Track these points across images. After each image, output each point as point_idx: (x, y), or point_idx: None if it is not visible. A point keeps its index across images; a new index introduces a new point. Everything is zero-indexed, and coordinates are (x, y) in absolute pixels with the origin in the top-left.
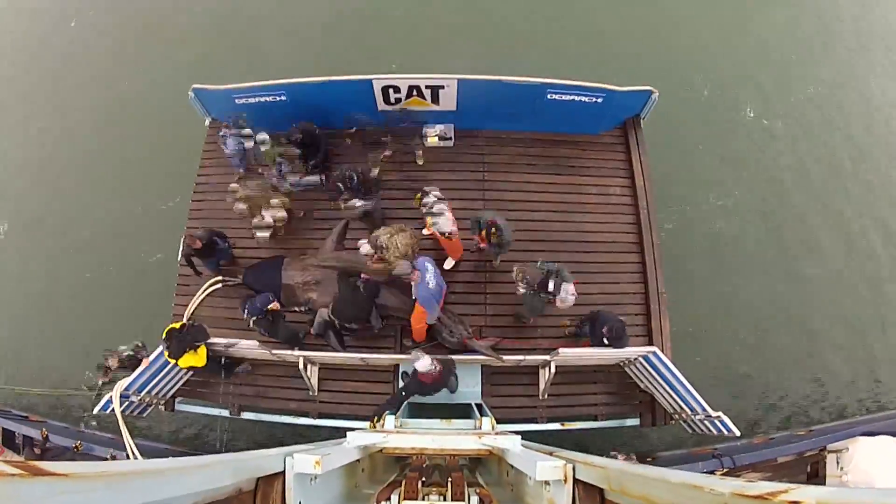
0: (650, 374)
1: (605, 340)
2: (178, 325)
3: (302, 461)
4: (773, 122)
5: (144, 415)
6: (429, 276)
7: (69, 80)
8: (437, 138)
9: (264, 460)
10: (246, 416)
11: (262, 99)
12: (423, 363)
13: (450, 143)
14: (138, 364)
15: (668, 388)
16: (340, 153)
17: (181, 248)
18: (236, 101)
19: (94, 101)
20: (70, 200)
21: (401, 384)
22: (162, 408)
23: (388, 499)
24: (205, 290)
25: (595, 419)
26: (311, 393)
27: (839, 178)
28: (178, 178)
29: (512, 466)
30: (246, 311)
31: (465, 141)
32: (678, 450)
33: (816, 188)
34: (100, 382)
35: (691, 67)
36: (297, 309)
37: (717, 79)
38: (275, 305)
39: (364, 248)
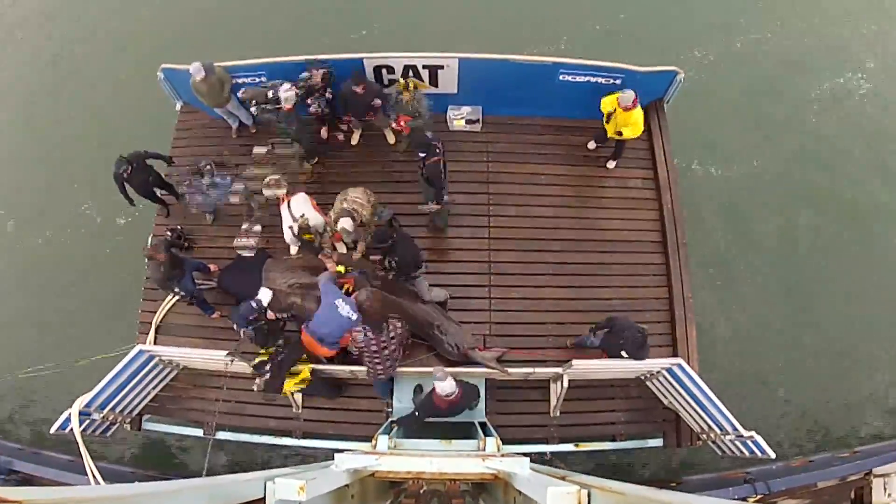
0: (674, 388)
1: (623, 353)
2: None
3: (284, 486)
4: (818, 108)
5: (108, 434)
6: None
7: (26, 64)
8: (463, 121)
9: (242, 486)
10: (222, 435)
11: (240, 80)
12: (446, 384)
13: (477, 128)
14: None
15: (694, 404)
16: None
17: (149, 244)
18: None
19: (53, 84)
20: (31, 195)
21: (396, 401)
22: (127, 426)
23: None
24: (179, 299)
25: (613, 439)
26: (294, 410)
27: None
28: None
29: (520, 492)
30: (235, 324)
31: (466, 127)
32: (706, 473)
33: (872, 189)
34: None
35: (720, 46)
36: (279, 315)
37: (751, 58)
38: (271, 316)
39: (346, 222)
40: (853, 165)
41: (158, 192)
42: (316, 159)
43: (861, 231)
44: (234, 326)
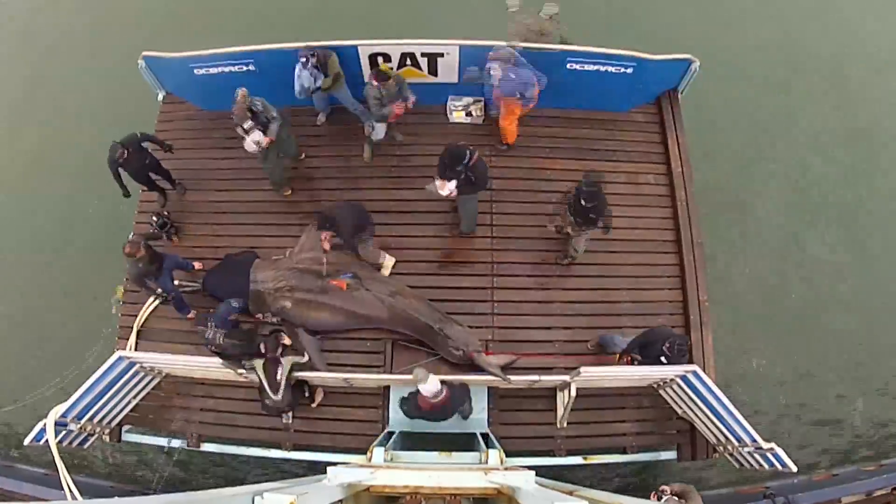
0: (689, 397)
1: (664, 360)
2: None
3: (273, 502)
4: (841, 101)
5: (85, 446)
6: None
7: None
8: (463, 113)
9: (229, 500)
10: (206, 447)
11: (227, 69)
12: (429, 386)
13: (479, 120)
14: None
15: (710, 414)
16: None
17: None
18: (195, 71)
19: (26, 73)
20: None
21: (393, 411)
22: (106, 438)
23: None
24: (156, 298)
25: (624, 452)
26: (284, 420)
27: None
28: None
29: None
30: (212, 334)
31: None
32: (723, 488)
33: None
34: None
35: (738, 31)
36: (266, 320)
37: (771, 45)
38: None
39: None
40: None
41: (154, 177)
42: (303, 154)
43: (883, 246)
44: (207, 330)
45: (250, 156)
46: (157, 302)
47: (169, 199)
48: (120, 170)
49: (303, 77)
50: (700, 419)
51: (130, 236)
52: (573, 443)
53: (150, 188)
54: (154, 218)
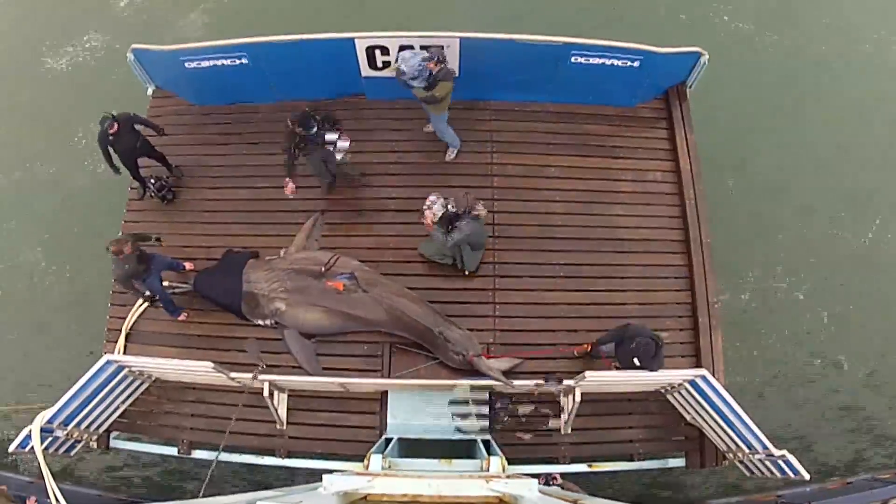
0: (698, 403)
1: (635, 361)
2: None
3: None
4: (855, 92)
5: (72, 453)
6: None
7: None
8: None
9: None
10: (198, 454)
11: (218, 62)
12: None
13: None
14: None
15: (720, 420)
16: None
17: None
18: (186, 64)
19: (12, 67)
20: None
21: (391, 417)
22: (94, 444)
23: None
24: (145, 300)
25: (630, 459)
26: (278, 426)
27: None
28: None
29: None
30: None
31: (468, 115)
32: (733, 496)
33: None
34: None
35: (749, 23)
36: (260, 322)
37: (782, 37)
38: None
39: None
40: None
41: (146, 162)
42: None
43: None
44: None
45: (244, 152)
46: (146, 304)
47: (150, 196)
48: (110, 148)
49: (408, 61)
50: (709, 425)
51: (119, 235)
52: (577, 450)
53: (134, 175)
54: (152, 181)
